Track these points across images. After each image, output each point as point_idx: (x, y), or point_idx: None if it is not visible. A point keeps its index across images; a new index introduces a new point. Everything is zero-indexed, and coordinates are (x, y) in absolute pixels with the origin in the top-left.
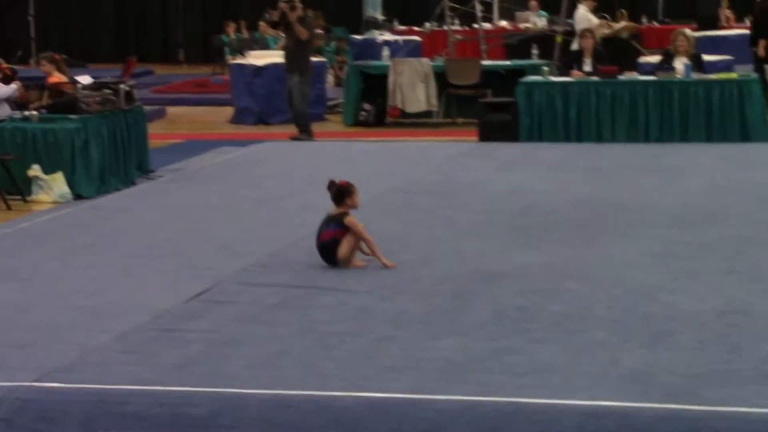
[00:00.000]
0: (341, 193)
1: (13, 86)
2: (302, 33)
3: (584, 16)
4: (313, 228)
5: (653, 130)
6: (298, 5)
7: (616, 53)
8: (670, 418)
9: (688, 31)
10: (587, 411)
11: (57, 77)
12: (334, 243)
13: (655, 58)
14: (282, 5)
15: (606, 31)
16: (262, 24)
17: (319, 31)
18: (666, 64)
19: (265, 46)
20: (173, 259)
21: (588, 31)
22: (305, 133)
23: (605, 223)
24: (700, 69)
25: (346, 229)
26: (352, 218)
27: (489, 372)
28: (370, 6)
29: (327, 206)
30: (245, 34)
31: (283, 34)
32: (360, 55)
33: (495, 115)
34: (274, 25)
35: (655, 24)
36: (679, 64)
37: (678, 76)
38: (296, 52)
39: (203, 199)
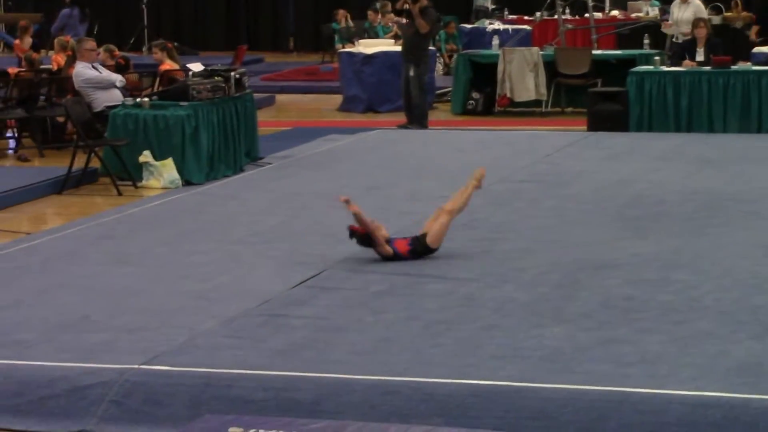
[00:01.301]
0: (364, 240)
1: (120, 77)
2: (422, 26)
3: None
4: (421, 216)
5: (766, 120)
6: None
7: (730, 43)
8: None
9: None
10: (694, 402)
11: (168, 65)
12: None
13: None
14: None
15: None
16: (370, 13)
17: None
18: None
19: (374, 35)
20: (281, 246)
21: (702, 21)
22: (418, 124)
23: (716, 213)
24: None
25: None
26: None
27: (595, 361)
28: None
29: (434, 195)
30: (351, 24)
31: (393, 23)
32: (470, 44)
33: (605, 104)
34: (398, 13)
35: None
36: None
37: None
38: (414, 42)
39: (311, 187)
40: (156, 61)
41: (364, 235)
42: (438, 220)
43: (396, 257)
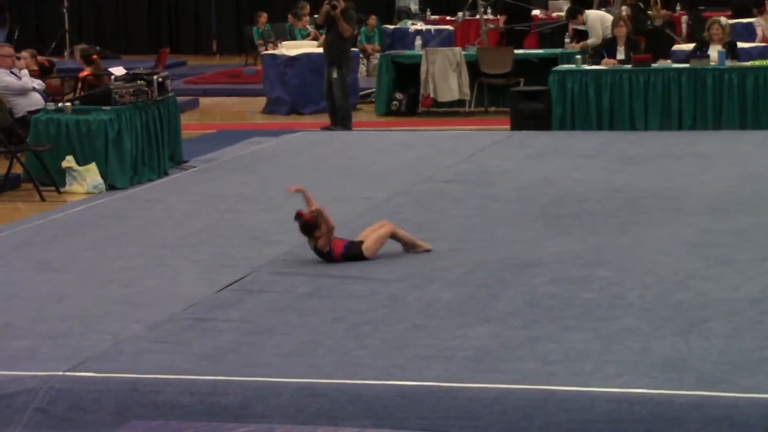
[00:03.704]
0: (307, 228)
1: (39, 82)
2: (346, 30)
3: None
4: (346, 218)
5: (687, 117)
6: (341, 1)
7: (650, 41)
8: (703, 406)
9: (723, 20)
10: (619, 398)
11: (88, 70)
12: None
13: (689, 46)
14: (325, 6)
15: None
16: (290, 16)
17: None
18: (700, 52)
19: (293, 38)
20: (206, 249)
21: (622, 20)
22: (342, 125)
23: (638, 211)
24: (735, 57)
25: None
26: (367, 246)
27: (521, 360)
28: None
29: (358, 196)
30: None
31: (310, 27)
32: (392, 44)
33: (527, 103)
34: (319, 27)
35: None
36: (714, 52)
37: (712, 63)
38: (336, 45)
39: (236, 189)
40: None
41: (309, 223)
42: (378, 231)
43: (327, 255)
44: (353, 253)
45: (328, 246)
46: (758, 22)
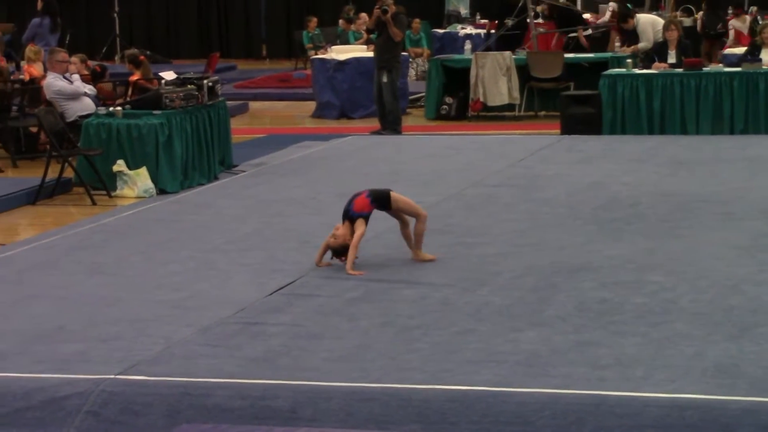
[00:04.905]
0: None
1: (90, 87)
2: (397, 35)
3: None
4: (392, 223)
5: (738, 121)
6: (391, 6)
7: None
8: (756, 411)
9: None
10: (671, 404)
11: (138, 74)
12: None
13: (740, 50)
14: (376, 11)
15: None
16: (341, 20)
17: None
18: (751, 56)
19: (345, 41)
20: (256, 253)
21: (673, 23)
22: (392, 130)
23: (689, 215)
24: None
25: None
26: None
27: (571, 365)
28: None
29: None
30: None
31: (363, 30)
32: (442, 49)
33: (578, 107)
34: (370, 31)
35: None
36: (766, 55)
37: (764, 67)
38: (387, 49)
39: (285, 194)
40: (130, 70)
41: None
42: (417, 206)
43: (367, 220)
44: (379, 195)
45: (362, 228)
46: (733, 24)
